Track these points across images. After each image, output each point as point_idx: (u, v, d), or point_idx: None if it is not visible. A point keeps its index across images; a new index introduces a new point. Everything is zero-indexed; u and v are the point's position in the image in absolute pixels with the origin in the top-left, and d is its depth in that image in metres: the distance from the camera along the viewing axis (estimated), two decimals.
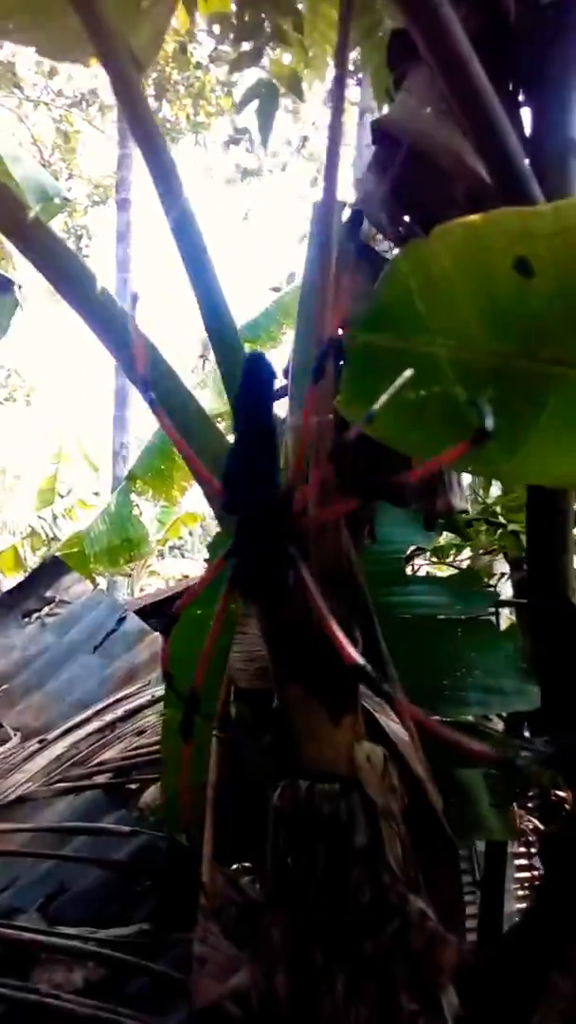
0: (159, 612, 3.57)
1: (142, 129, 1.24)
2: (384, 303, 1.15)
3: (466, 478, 1.75)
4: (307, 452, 0.58)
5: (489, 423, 0.55)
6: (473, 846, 2.66)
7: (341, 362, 1.29)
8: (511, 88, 1.66)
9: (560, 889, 1.80)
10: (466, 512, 2.12)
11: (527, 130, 1.62)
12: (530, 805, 3.42)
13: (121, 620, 3.30)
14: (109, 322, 1.27)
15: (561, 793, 3.07)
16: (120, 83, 1.20)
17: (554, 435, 1.21)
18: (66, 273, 1.26)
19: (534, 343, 1.12)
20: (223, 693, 1.62)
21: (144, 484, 4.02)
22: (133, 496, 4.16)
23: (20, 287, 2.76)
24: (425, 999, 1.20)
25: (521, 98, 1.67)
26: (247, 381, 0.59)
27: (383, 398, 0.57)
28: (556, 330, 1.12)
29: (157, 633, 3.19)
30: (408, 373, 0.69)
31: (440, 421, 1.23)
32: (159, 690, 2.68)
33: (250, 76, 1.67)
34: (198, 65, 10.75)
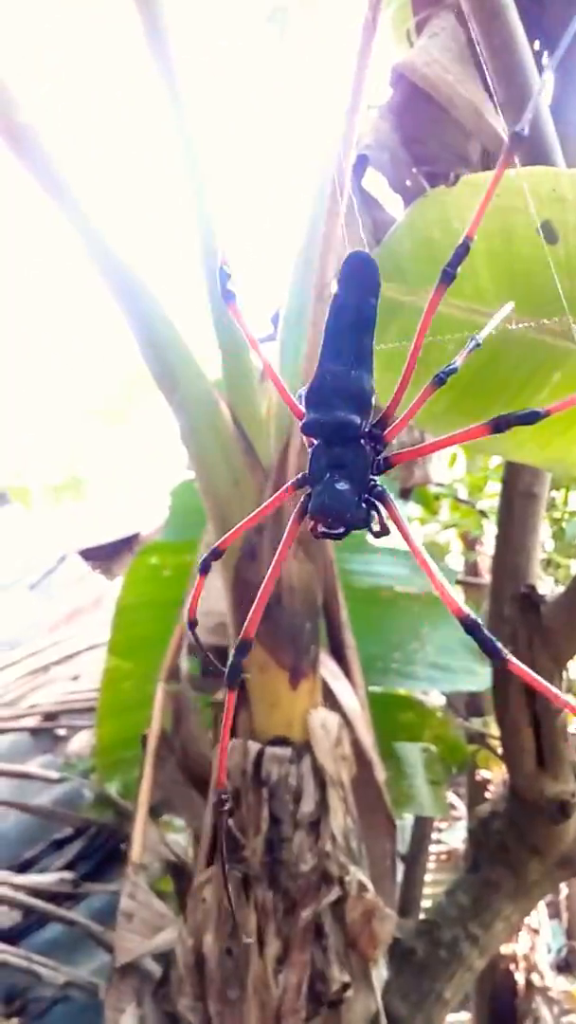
0: (103, 556, 3.48)
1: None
2: (398, 252, 1.09)
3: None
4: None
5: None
6: (401, 819, 2.67)
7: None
8: (537, 51, 1.60)
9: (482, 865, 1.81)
10: (441, 485, 2.09)
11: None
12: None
13: (61, 559, 3.21)
14: (94, 234, 1.17)
15: (487, 774, 3.12)
16: None
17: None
18: (58, 181, 1.16)
19: (546, 314, 1.08)
20: (174, 645, 1.57)
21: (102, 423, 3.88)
22: (89, 435, 4.02)
23: None
24: (355, 971, 1.18)
25: (545, 61, 1.61)
26: (348, 284, 0.51)
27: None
28: (571, 304, 1.07)
29: (99, 575, 3.11)
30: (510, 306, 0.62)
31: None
32: (98, 635, 2.61)
33: None
34: None
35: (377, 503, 0.49)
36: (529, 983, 2.79)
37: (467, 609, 0.43)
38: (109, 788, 1.99)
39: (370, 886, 1.18)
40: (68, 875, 1.85)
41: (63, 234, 1.23)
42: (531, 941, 2.82)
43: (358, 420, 0.49)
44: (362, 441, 0.49)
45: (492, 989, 2.72)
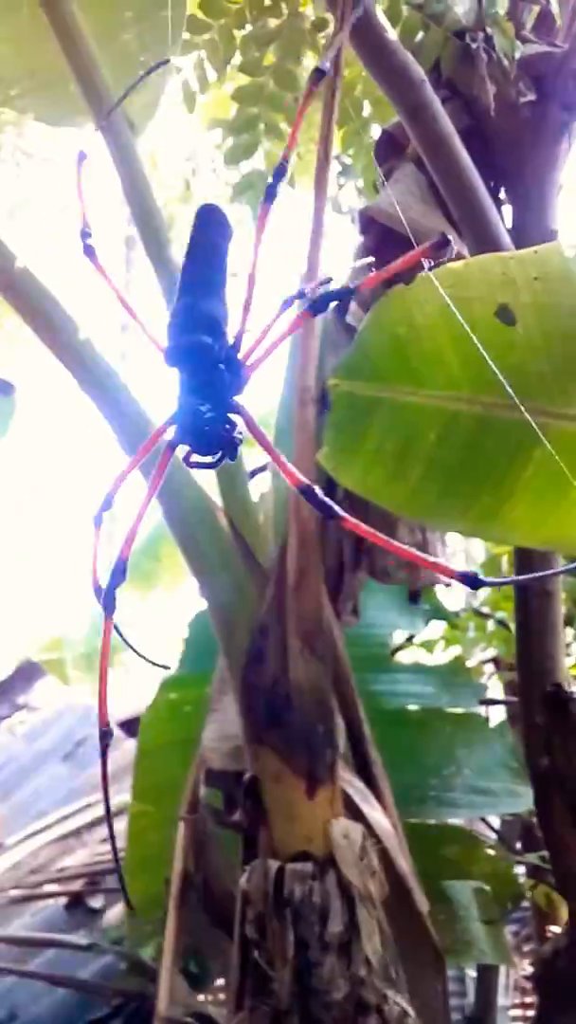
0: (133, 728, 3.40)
1: (137, 192, 1.28)
2: (369, 350, 1.15)
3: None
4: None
5: None
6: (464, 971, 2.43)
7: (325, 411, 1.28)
8: (492, 186, 1.75)
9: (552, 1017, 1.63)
10: (449, 585, 2.06)
11: (509, 222, 1.69)
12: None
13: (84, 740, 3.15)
14: (91, 369, 1.26)
15: (556, 929, 2.84)
16: (117, 147, 1.25)
17: (540, 491, 1.18)
18: (50, 320, 1.27)
19: (518, 394, 1.12)
20: (192, 776, 1.51)
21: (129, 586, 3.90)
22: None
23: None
24: None
25: (502, 196, 1.75)
26: (198, 228, 0.58)
27: None
28: (539, 380, 1.11)
29: (132, 740, 3.03)
30: None
31: (422, 474, 1.21)
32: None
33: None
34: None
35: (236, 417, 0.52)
36: None
37: (302, 477, 0.45)
38: (143, 953, 1.85)
39: (412, 1012, 1.07)
40: None
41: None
42: None
43: (211, 341, 0.53)
44: (220, 366, 0.53)
45: None
